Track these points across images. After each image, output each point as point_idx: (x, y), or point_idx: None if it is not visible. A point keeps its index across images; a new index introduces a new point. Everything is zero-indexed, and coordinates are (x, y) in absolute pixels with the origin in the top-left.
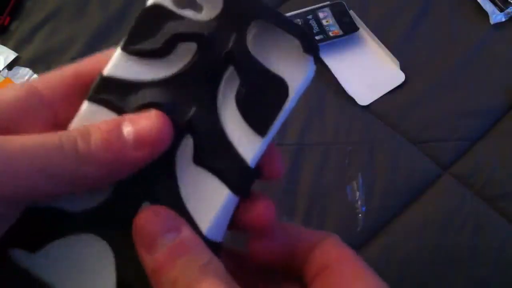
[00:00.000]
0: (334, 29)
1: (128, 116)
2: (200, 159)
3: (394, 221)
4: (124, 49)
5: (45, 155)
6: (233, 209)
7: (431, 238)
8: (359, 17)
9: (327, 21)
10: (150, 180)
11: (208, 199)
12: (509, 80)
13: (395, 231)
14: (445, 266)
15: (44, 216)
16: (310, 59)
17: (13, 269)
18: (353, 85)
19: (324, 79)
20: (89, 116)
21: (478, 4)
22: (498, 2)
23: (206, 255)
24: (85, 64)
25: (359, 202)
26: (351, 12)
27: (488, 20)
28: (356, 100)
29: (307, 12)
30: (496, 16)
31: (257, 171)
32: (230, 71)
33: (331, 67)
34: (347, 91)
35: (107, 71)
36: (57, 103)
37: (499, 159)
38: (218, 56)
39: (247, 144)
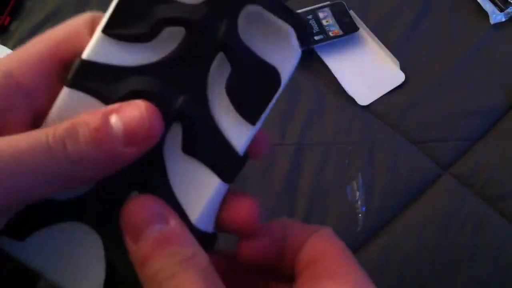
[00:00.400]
0: (334, 29)
1: (115, 108)
2: (190, 148)
3: (394, 221)
4: (105, 32)
5: (35, 159)
6: (223, 197)
7: (431, 238)
8: (359, 17)
9: (327, 21)
10: (139, 168)
11: (198, 189)
12: (509, 80)
13: (395, 231)
14: (445, 266)
15: (32, 204)
16: (299, 46)
17: (1, 256)
18: (353, 85)
19: (324, 79)
20: (70, 104)
21: (478, 4)
22: (498, 2)
23: (191, 248)
24: (61, 39)
25: (359, 202)
26: (351, 12)
27: (488, 20)
28: (356, 100)
29: (307, 12)
30: (496, 16)
31: (245, 157)
32: (221, 58)
33: (331, 67)
34: (347, 91)
35: (87, 54)
36: (36, 89)
37: (499, 159)
38: (207, 42)
39: (237, 133)
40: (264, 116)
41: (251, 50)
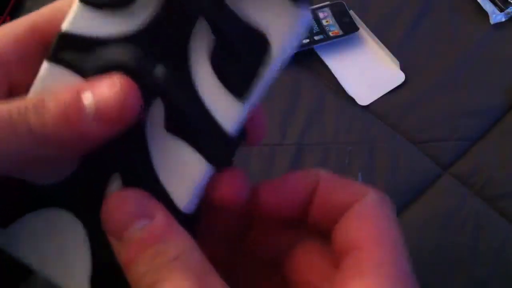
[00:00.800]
0: (334, 29)
1: (89, 84)
2: (173, 126)
3: None
4: (82, 0)
5: None
6: (209, 179)
7: (431, 238)
8: (359, 17)
9: (327, 21)
10: (119, 149)
11: (184, 171)
12: (509, 80)
13: None
14: (445, 266)
15: (13, 190)
16: (300, 10)
17: None
18: (353, 85)
19: (324, 79)
20: (50, 79)
21: (478, 4)
22: (498, 2)
23: (180, 244)
24: (43, 15)
25: None
26: (351, 12)
27: (488, 20)
28: (356, 100)
29: None
30: (496, 16)
31: (240, 138)
32: (203, 24)
33: (331, 67)
34: (347, 91)
35: (65, 26)
36: (12, 61)
37: (499, 159)
38: (187, 6)
39: (225, 110)
40: (258, 91)
41: (235, 14)
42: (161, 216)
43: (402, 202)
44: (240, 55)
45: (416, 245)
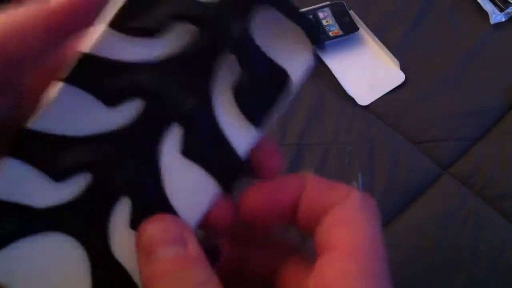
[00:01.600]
0: (334, 29)
1: None
2: (190, 151)
3: (394, 221)
4: (112, 25)
5: None
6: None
7: (431, 238)
8: (359, 17)
9: (327, 21)
10: (130, 172)
11: (195, 195)
12: (509, 80)
13: (395, 231)
14: (445, 266)
15: (6, 212)
16: (311, 51)
17: None
18: (353, 85)
19: (324, 79)
20: (66, 99)
21: (478, 4)
22: (498, 2)
23: (203, 273)
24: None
25: None
26: (351, 12)
27: (488, 20)
28: (356, 100)
29: (307, 12)
30: (496, 16)
31: (246, 166)
32: (230, 58)
33: (331, 67)
34: (347, 91)
35: (90, 48)
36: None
37: (499, 159)
38: (218, 41)
39: (240, 136)
40: (270, 120)
41: (261, 51)
42: (195, 245)
43: (402, 202)
44: (262, 86)
45: (416, 245)
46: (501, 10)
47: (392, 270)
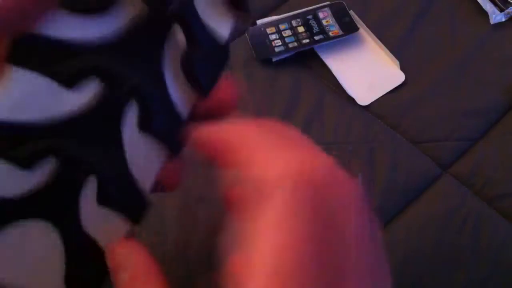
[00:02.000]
0: (334, 29)
1: None
2: (146, 125)
3: (394, 221)
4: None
5: None
6: None
7: (431, 238)
8: (359, 17)
9: (327, 21)
10: (96, 152)
11: (149, 161)
12: (509, 80)
13: (395, 231)
14: (445, 266)
15: None
16: (236, 13)
17: None
18: (353, 85)
19: (324, 79)
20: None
21: (478, 4)
22: (498, 2)
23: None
24: None
25: None
26: (351, 12)
27: (488, 20)
28: (356, 100)
29: (307, 12)
30: (496, 16)
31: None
32: (176, 30)
33: (331, 67)
34: (347, 91)
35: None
36: None
37: (499, 159)
38: (162, 14)
39: (185, 102)
40: (212, 84)
41: (201, 19)
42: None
43: (402, 202)
44: (204, 53)
45: (416, 245)
46: (501, 10)
47: (392, 270)
